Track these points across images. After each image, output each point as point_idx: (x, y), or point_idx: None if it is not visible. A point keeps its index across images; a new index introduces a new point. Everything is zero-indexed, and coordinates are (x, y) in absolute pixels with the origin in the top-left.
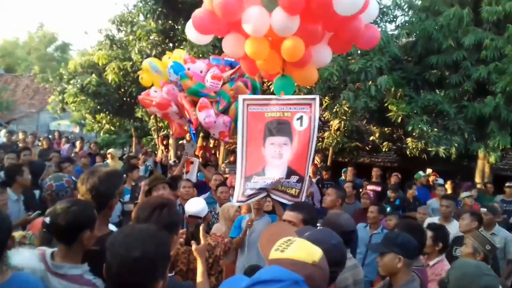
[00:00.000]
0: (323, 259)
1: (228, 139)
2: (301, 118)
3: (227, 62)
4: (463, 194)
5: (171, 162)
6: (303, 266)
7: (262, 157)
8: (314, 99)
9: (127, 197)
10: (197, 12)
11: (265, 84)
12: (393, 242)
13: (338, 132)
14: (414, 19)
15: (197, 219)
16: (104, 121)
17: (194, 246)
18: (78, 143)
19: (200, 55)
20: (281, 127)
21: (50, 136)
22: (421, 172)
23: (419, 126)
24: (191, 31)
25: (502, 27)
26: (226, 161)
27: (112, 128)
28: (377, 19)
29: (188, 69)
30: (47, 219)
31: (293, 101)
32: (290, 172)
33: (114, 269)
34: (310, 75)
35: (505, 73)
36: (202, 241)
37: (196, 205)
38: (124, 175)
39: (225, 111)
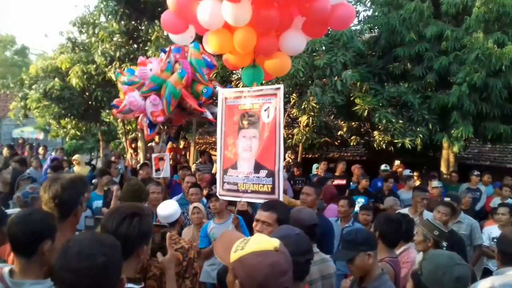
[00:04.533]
0: (282, 246)
1: (161, 118)
2: (267, 109)
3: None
4: (433, 184)
5: (137, 166)
6: (267, 254)
7: (235, 150)
8: (278, 88)
9: (99, 203)
10: (164, 14)
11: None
12: (355, 243)
13: (307, 128)
14: (377, 13)
15: (162, 227)
16: (69, 126)
17: (160, 258)
18: (40, 150)
19: None
20: (251, 120)
21: (12, 144)
22: (383, 166)
23: (386, 117)
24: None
25: (460, 20)
26: (197, 162)
27: (78, 133)
28: None
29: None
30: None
31: (261, 92)
32: (258, 166)
33: (85, 284)
34: (282, 63)
35: (465, 63)
36: (169, 251)
37: (168, 208)
38: (95, 180)
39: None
